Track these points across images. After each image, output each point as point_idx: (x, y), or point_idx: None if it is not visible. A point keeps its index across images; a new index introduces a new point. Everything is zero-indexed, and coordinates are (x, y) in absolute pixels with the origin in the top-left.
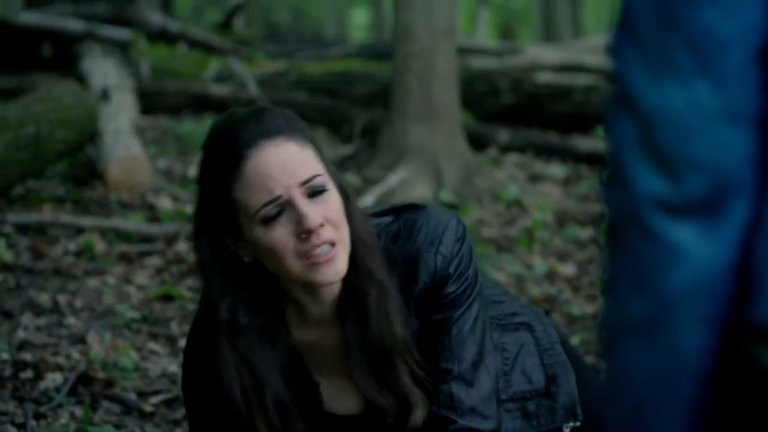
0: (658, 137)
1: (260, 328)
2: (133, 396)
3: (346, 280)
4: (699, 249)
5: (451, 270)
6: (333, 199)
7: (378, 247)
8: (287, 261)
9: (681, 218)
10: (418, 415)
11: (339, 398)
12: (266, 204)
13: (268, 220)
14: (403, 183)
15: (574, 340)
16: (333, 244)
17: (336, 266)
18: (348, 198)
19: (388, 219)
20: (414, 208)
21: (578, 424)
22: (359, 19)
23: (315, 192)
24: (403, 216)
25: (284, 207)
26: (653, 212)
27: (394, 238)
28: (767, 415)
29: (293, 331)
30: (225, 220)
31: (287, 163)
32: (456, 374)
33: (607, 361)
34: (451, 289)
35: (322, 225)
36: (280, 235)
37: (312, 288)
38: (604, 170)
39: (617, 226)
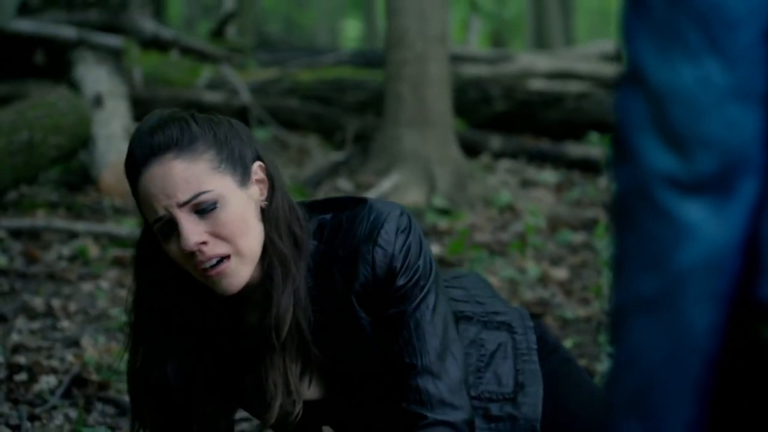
0: (668, 115)
1: (188, 321)
2: (127, 398)
3: (264, 267)
4: (708, 226)
5: (397, 263)
6: (226, 212)
7: (290, 253)
8: (188, 270)
9: (691, 195)
10: (271, 415)
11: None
12: (155, 222)
13: (162, 235)
14: (396, 188)
15: (567, 343)
16: (224, 258)
17: (230, 279)
18: (273, 184)
19: (329, 214)
20: (357, 201)
21: None
22: (351, 31)
23: (201, 210)
24: (346, 210)
25: (172, 224)
26: (663, 189)
27: (335, 233)
28: None
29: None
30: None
31: (168, 182)
32: (420, 368)
33: (616, 339)
34: (401, 282)
35: (204, 242)
36: (174, 249)
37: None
38: (613, 148)
39: (627, 204)
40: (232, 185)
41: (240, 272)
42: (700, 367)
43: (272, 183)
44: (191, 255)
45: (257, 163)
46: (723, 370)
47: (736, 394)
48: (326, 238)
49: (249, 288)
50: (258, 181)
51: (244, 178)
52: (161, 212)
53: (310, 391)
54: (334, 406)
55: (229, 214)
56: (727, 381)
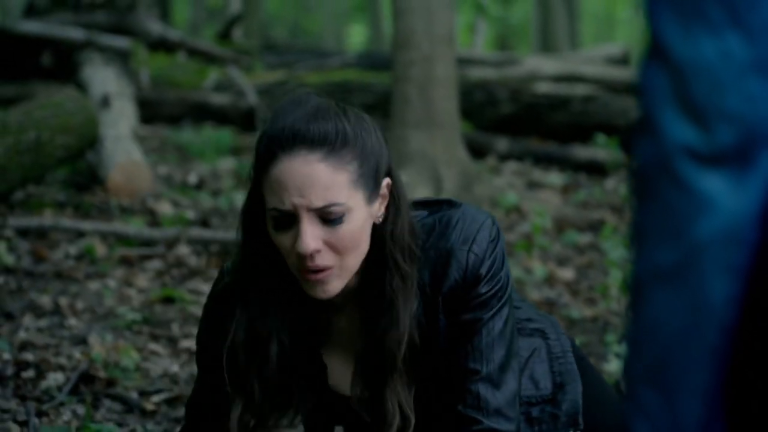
0: (690, 88)
1: (281, 288)
2: (134, 395)
3: (367, 278)
4: (728, 199)
5: (483, 270)
6: (345, 228)
7: (411, 273)
8: (287, 261)
9: (711, 168)
10: None
11: (344, 379)
12: (275, 209)
13: (276, 224)
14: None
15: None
16: (326, 269)
17: (325, 288)
18: (398, 201)
19: (423, 213)
20: (450, 204)
21: None
22: (357, 36)
23: (327, 219)
24: (440, 212)
25: (292, 219)
26: (684, 161)
27: (428, 233)
28: None
29: (312, 304)
30: (258, 193)
31: (307, 183)
32: (484, 375)
33: (634, 310)
34: (483, 290)
35: (318, 251)
36: (283, 242)
37: None
38: (635, 121)
39: (647, 176)
40: (361, 201)
41: (336, 284)
42: (717, 338)
43: (398, 202)
44: (299, 256)
45: (386, 180)
46: (739, 341)
47: (753, 366)
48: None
49: (343, 296)
50: (382, 196)
51: (372, 194)
52: (287, 206)
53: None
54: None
55: (349, 230)
56: (744, 353)
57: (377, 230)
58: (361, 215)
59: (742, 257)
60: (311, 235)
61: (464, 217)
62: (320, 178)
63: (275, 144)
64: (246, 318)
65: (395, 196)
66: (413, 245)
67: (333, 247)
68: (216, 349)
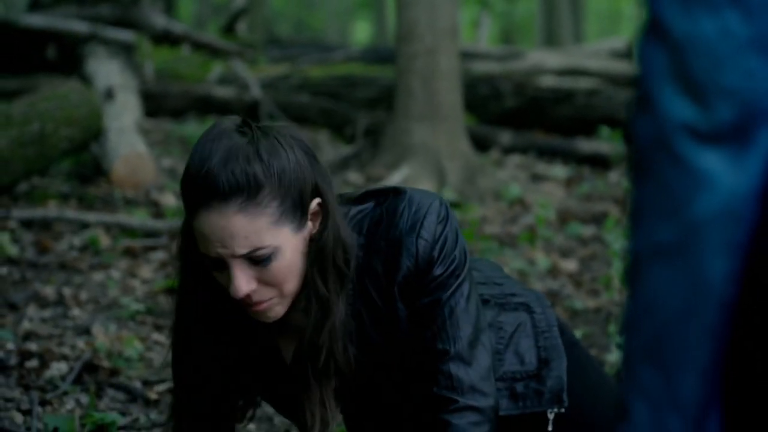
0: (688, 65)
1: (222, 306)
2: (138, 384)
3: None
4: (726, 176)
5: (435, 253)
6: (277, 265)
7: (346, 274)
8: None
9: (709, 145)
10: None
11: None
12: (206, 256)
13: (210, 265)
14: (406, 182)
15: (577, 334)
16: (266, 301)
17: (269, 314)
18: (326, 219)
19: (370, 205)
20: (395, 192)
21: (563, 410)
22: (361, 33)
23: (256, 261)
24: (386, 201)
25: (222, 263)
26: (682, 138)
27: (376, 225)
28: None
29: None
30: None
31: (227, 235)
32: (453, 354)
33: (632, 287)
34: (438, 271)
35: (253, 290)
36: (221, 280)
37: None
38: (633, 98)
39: (646, 153)
40: (289, 234)
41: (278, 310)
42: (715, 315)
43: (325, 219)
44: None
45: (315, 201)
46: (738, 319)
47: (751, 344)
48: (367, 230)
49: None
50: (313, 215)
51: (301, 221)
52: (214, 255)
53: None
54: (350, 393)
55: (280, 265)
56: (742, 331)
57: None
58: (290, 247)
59: (741, 235)
60: (242, 279)
61: (410, 204)
62: (239, 229)
63: (192, 196)
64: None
65: (324, 213)
66: (339, 259)
67: (268, 283)
68: (189, 367)
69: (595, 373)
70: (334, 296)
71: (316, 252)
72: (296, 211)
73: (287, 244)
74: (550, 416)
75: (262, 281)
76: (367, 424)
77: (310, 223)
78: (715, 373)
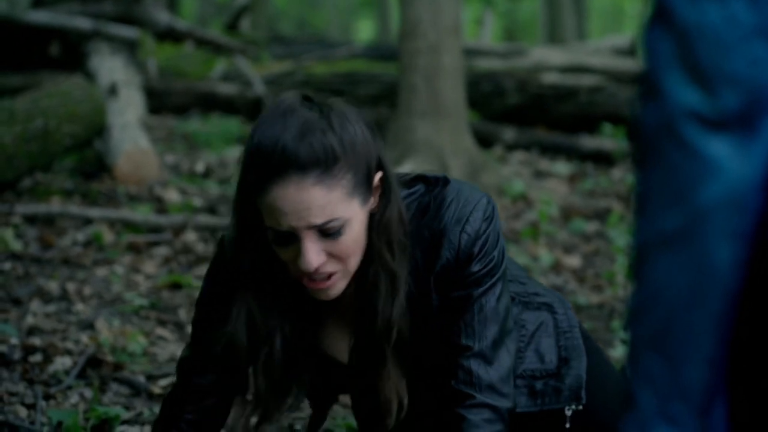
0: (694, 52)
1: (279, 285)
2: (141, 379)
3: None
4: (732, 163)
5: (476, 249)
6: (345, 238)
7: (406, 245)
8: (290, 267)
9: (716, 132)
10: (390, 421)
11: (343, 347)
12: (274, 230)
13: (275, 240)
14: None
15: None
16: (331, 275)
17: (329, 292)
18: (388, 194)
19: (419, 190)
20: (445, 182)
21: (580, 407)
22: (364, 31)
23: (327, 234)
24: (435, 189)
25: (291, 237)
26: (689, 125)
27: (423, 212)
28: None
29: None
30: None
31: (303, 207)
32: (476, 351)
33: (638, 275)
34: (475, 267)
35: (321, 264)
36: (284, 254)
37: None
38: (639, 85)
39: (652, 140)
40: (358, 207)
41: (340, 286)
42: (721, 303)
43: (388, 192)
44: (303, 270)
45: (378, 175)
46: (744, 308)
47: (757, 333)
48: (412, 216)
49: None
50: (375, 190)
51: (366, 194)
52: (285, 228)
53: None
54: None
55: (349, 237)
56: (749, 319)
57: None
58: (359, 220)
59: (747, 222)
60: (313, 252)
61: (459, 197)
62: (316, 200)
63: (265, 171)
64: (246, 317)
65: (386, 187)
66: (402, 234)
67: (335, 256)
68: (213, 319)
69: (612, 373)
70: (401, 270)
71: (382, 226)
72: (364, 183)
73: (356, 217)
74: (568, 413)
75: (330, 255)
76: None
77: (373, 199)
78: (720, 362)
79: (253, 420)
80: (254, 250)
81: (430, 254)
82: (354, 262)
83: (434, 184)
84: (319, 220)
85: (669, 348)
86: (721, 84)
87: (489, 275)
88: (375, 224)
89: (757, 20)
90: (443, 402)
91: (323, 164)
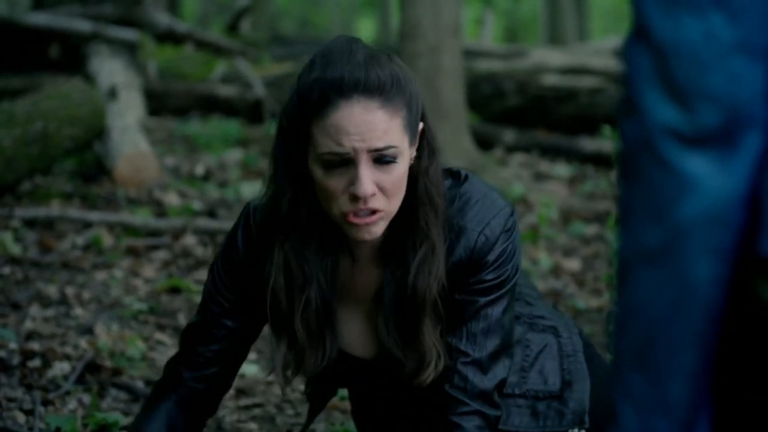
0: (673, 68)
1: (318, 235)
2: (140, 384)
3: (395, 226)
4: (712, 180)
5: (491, 257)
6: (396, 171)
7: (444, 209)
8: (332, 206)
9: (695, 149)
10: (428, 373)
11: (355, 339)
12: (331, 153)
13: (328, 167)
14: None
15: None
16: (376, 212)
17: (371, 230)
18: (433, 154)
19: (448, 182)
20: (473, 181)
21: (583, 431)
22: (366, 31)
23: (382, 161)
24: (464, 185)
25: (347, 162)
26: (668, 142)
27: (448, 205)
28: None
29: (339, 254)
30: (298, 137)
31: (368, 128)
32: (475, 359)
33: (620, 291)
34: (487, 276)
35: (373, 194)
36: (334, 183)
37: None
38: (619, 102)
39: (632, 156)
40: (407, 145)
41: (381, 226)
42: (702, 319)
43: (432, 143)
44: (353, 199)
45: (421, 124)
46: (726, 324)
47: (738, 349)
48: None
49: (368, 249)
50: (419, 138)
51: (414, 138)
52: (346, 149)
53: (364, 348)
54: (375, 369)
55: (399, 172)
56: (730, 335)
57: (410, 171)
58: (407, 158)
59: (727, 239)
60: (369, 178)
61: (485, 198)
62: (380, 122)
63: (333, 91)
64: (284, 263)
65: (428, 138)
66: (442, 186)
67: (384, 190)
68: (233, 285)
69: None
70: (438, 229)
71: (428, 177)
72: (414, 125)
73: (406, 154)
74: None
75: (380, 187)
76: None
77: (416, 144)
78: (703, 377)
79: (289, 372)
80: (297, 196)
81: (446, 248)
82: (396, 204)
83: (462, 180)
84: (380, 144)
85: (651, 363)
86: (700, 101)
87: (499, 286)
88: (423, 171)
89: (736, 36)
90: (434, 404)
91: (388, 91)
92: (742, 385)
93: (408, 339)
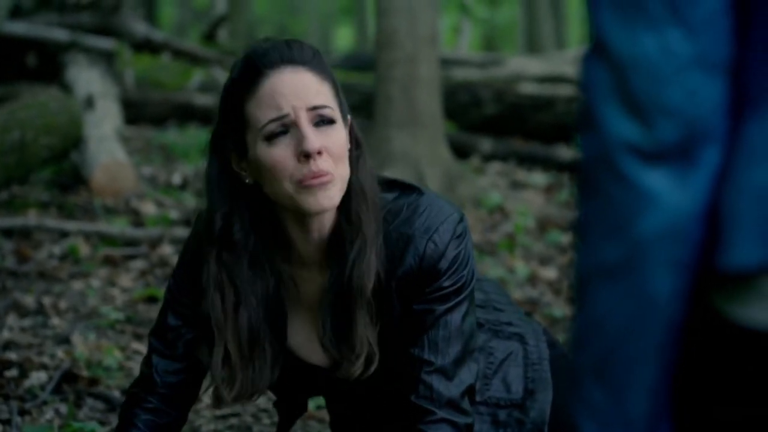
0: (630, 83)
1: (251, 252)
2: (117, 394)
3: (336, 228)
4: (670, 195)
5: (444, 264)
6: (338, 134)
7: (375, 202)
8: (283, 182)
9: (653, 164)
10: (357, 367)
11: (309, 347)
12: (272, 120)
13: (272, 137)
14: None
15: None
16: (328, 173)
17: (328, 193)
18: (360, 146)
19: (394, 194)
20: (420, 191)
21: None
22: (344, 39)
23: (321, 121)
24: (411, 196)
25: (289, 127)
26: (626, 157)
27: (395, 215)
28: (731, 366)
29: (280, 266)
30: (234, 137)
31: (301, 87)
32: (438, 367)
33: (579, 306)
34: (442, 284)
35: (320, 153)
36: (281, 153)
37: (303, 221)
38: (577, 117)
39: (590, 171)
40: (340, 117)
41: (335, 192)
42: (662, 334)
43: (360, 142)
44: (304, 162)
45: (349, 117)
46: (685, 337)
47: (697, 361)
48: (383, 218)
49: (313, 250)
50: (350, 129)
51: (344, 118)
52: (285, 110)
53: (318, 355)
54: (331, 377)
55: (338, 136)
56: (689, 348)
57: None
58: (343, 130)
59: (687, 254)
60: (314, 135)
61: (432, 206)
62: (311, 83)
63: (261, 64)
64: (216, 281)
65: (356, 132)
66: (373, 180)
67: (329, 152)
68: (184, 295)
69: None
70: (370, 222)
71: (360, 170)
72: (342, 103)
73: (341, 124)
74: None
75: (325, 149)
76: (354, 427)
77: (347, 129)
78: (664, 390)
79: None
80: (231, 211)
81: (395, 259)
82: (344, 170)
83: (411, 191)
84: (317, 101)
85: (610, 377)
86: (658, 116)
87: (456, 293)
88: (354, 163)
89: (694, 51)
90: (402, 416)
91: (311, 61)
92: (702, 397)
93: (342, 335)
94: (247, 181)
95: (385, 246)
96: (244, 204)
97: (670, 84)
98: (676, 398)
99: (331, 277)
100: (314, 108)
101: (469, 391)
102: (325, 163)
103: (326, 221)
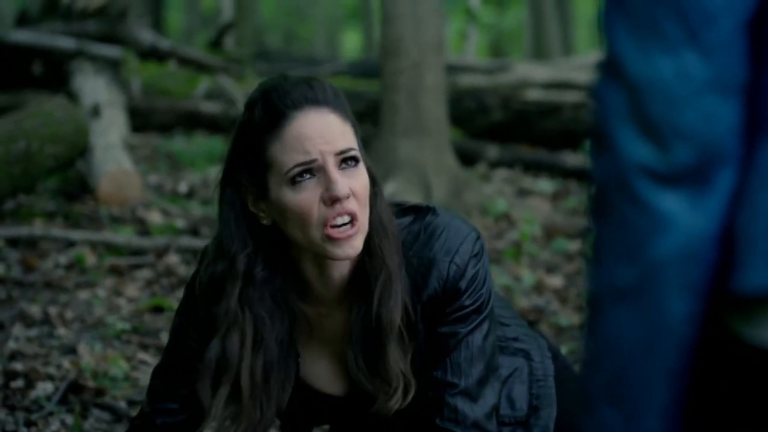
0: (646, 106)
1: (272, 289)
2: (123, 404)
3: (358, 264)
4: (685, 217)
5: (463, 284)
6: (362, 175)
7: (395, 234)
8: (308, 227)
9: (668, 187)
10: (395, 400)
11: (325, 378)
12: (299, 164)
13: (298, 182)
14: (392, 197)
15: (562, 350)
16: (354, 219)
17: (353, 243)
18: (375, 183)
19: (408, 218)
20: (435, 213)
21: None
22: (351, 43)
23: (348, 164)
24: (425, 219)
25: (316, 171)
26: (641, 180)
27: (413, 241)
28: (744, 387)
29: (295, 303)
30: (253, 178)
31: (328, 130)
32: (462, 389)
33: (592, 328)
34: (463, 303)
35: (348, 196)
36: (307, 198)
37: (322, 263)
38: (591, 138)
39: (605, 194)
40: (363, 159)
41: (359, 240)
42: (675, 356)
43: (374, 174)
44: (330, 205)
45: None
46: (699, 360)
47: (710, 383)
48: (402, 244)
49: (333, 288)
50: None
51: (363, 158)
52: (313, 155)
53: (335, 385)
54: (349, 405)
55: (365, 177)
56: (702, 370)
57: None
58: (365, 170)
59: (701, 276)
60: (342, 179)
61: (449, 227)
62: (336, 125)
63: (285, 107)
64: (234, 320)
65: (370, 167)
66: (390, 212)
67: (355, 194)
68: (192, 335)
69: None
70: (392, 255)
71: (379, 208)
72: (360, 142)
73: (363, 164)
74: None
75: (352, 190)
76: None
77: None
78: (676, 413)
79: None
80: (256, 250)
81: (418, 283)
82: (366, 215)
83: (425, 213)
84: (343, 145)
85: (623, 400)
86: (673, 139)
87: (476, 312)
88: (375, 206)
89: (710, 74)
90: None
91: (332, 101)
92: (716, 419)
93: (375, 369)
94: (264, 222)
95: (407, 273)
96: (265, 244)
97: (686, 107)
98: (689, 420)
99: (358, 313)
100: (342, 152)
101: (494, 411)
102: (351, 205)
103: (347, 262)
